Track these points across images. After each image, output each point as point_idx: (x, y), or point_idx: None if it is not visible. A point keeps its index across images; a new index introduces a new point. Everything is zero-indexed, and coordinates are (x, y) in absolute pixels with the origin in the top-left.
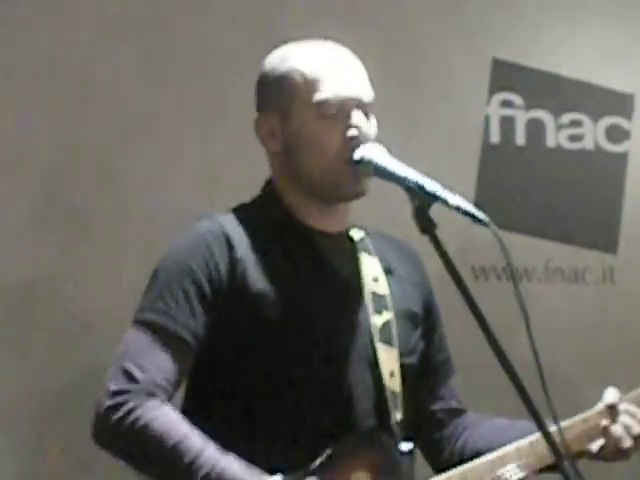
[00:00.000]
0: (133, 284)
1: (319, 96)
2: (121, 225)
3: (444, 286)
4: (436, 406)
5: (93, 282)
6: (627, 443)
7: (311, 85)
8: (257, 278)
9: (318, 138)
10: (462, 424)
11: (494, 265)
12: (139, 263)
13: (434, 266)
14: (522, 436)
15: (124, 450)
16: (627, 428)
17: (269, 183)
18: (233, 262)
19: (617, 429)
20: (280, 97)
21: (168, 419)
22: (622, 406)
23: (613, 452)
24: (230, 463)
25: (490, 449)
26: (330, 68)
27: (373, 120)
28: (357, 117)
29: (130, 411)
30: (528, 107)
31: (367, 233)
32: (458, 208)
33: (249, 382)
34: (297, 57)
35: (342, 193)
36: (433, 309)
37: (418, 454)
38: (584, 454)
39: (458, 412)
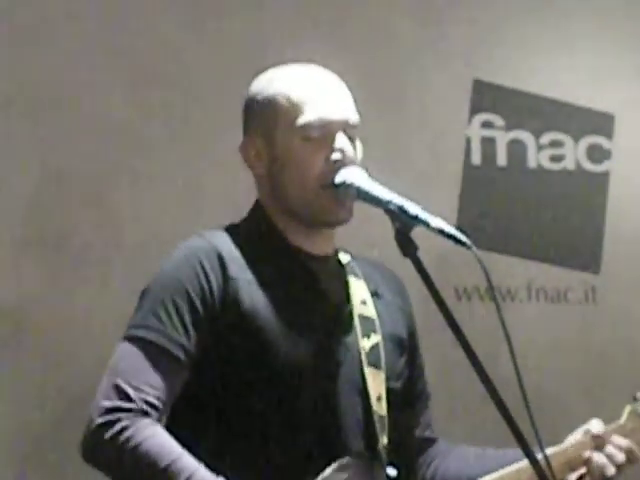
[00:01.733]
0: (119, 311)
1: (303, 119)
2: (107, 252)
3: (427, 308)
4: (413, 433)
5: (79, 309)
6: (611, 471)
7: (295, 108)
8: (249, 297)
9: (301, 161)
10: (433, 452)
11: (476, 286)
12: (125, 290)
13: (416, 288)
14: (493, 465)
15: (115, 468)
16: (610, 457)
17: (258, 204)
18: (226, 280)
19: (601, 457)
20: (265, 120)
21: (160, 440)
22: (607, 436)
23: None
24: None
25: (460, 476)
26: (315, 91)
27: (358, 143)
28: (341, 140)
29: (123, 429)
30: (509, 128)
31: (352, 257)
32: (440, 231)
33: (238, 402)
34: (282, 80)
35: (324, 219)
36: (415, 336)
37: None
38: None
39: (431, 441)
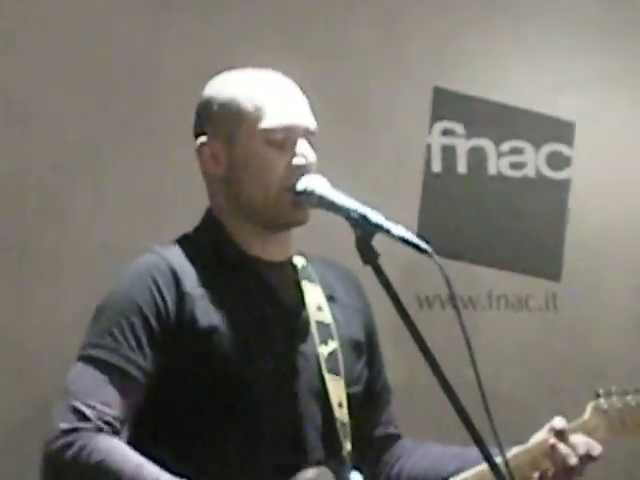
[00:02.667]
0: (76, 318)
1: (267, 123)
2: (64, 259)
3: (388, 315)
4: (376, 432)
5: (36, 317)
6: (573, 461)
7: (259, 111)
8: (204, 312)
9: (264, 164)
10: (398, 450)
11: (438, 294)
12: (82, 297)
13: (378, 296)
14: (458, 463)
15: None
16: (574, 447)
17: (209, 212)
18: (180, 296)
19: (564, 447)
20: (226, 122)
21: (121, 451)
22: (570, 432)
23: (557, 474)
24: None
25: (426, 475)
26: (278, 96)
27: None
28: (303, 146)
29: (82, 448)
30: (469, 135)
31: (308, 260)
32: (401, 238)
33: (198, 415)
34: (243, 83)
35: (282, 221)
36: (374, 335)
37: None
38: None
39: (395, 438)
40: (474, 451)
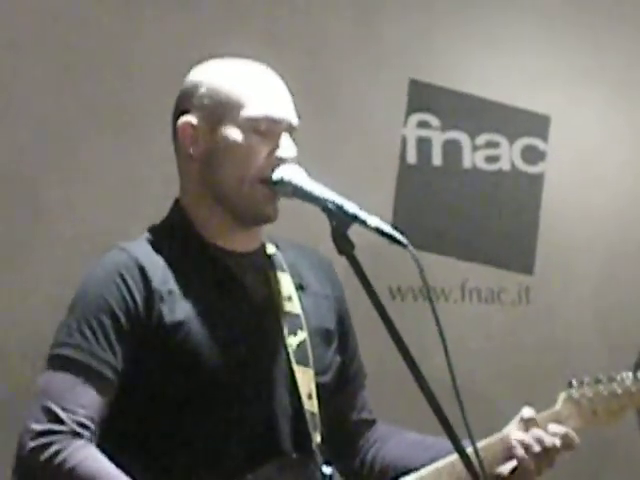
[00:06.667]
0: (48, 306)
1: (253, 112)
2: (37, 248)
3: (361, 306)
4: (350, 417)
5: (8, 305)
6: (536, 448)
7: (246, 100)
8: (172, 307)
9: (244, 152)
10: (373, 435)
11: (411, 285)
12: (55, 285)
13: (352, 285)
14: (432, 453)
15: None
16: (538, 439)
17: (177, 203)
18: (149, 293)
19: (527, 437)
20: (212, 105)
21: (95, 462)
22: (541, 423)
23: (527, 467)
24: None
25: (399, 464)
26: (266, 88)
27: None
28: (286, 139)
29: (57, 452)
30: (445, 128)
31: (278, 246)
32: (376, 229)
33: (167, 411)
34: (235, 71)
35: (252, 213)
36: (346, 319)
37: None
38: (499, 477)
39: (370, 423)
40: (449, 442)
